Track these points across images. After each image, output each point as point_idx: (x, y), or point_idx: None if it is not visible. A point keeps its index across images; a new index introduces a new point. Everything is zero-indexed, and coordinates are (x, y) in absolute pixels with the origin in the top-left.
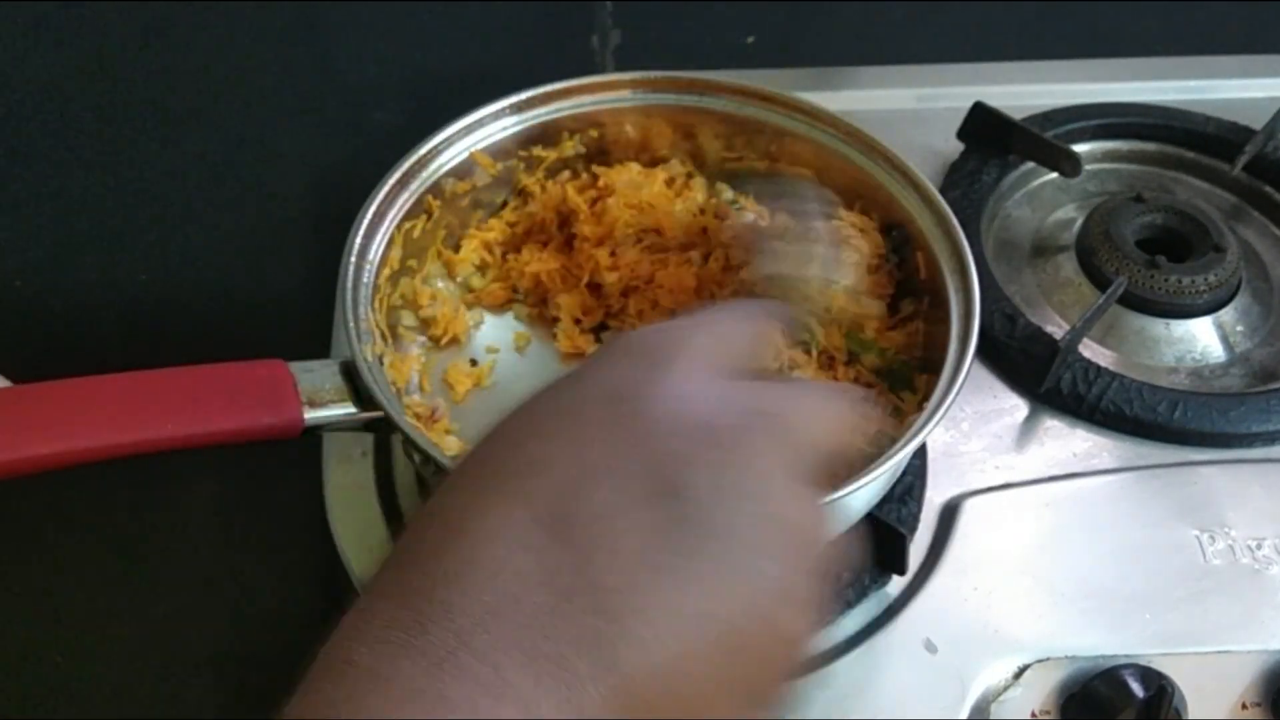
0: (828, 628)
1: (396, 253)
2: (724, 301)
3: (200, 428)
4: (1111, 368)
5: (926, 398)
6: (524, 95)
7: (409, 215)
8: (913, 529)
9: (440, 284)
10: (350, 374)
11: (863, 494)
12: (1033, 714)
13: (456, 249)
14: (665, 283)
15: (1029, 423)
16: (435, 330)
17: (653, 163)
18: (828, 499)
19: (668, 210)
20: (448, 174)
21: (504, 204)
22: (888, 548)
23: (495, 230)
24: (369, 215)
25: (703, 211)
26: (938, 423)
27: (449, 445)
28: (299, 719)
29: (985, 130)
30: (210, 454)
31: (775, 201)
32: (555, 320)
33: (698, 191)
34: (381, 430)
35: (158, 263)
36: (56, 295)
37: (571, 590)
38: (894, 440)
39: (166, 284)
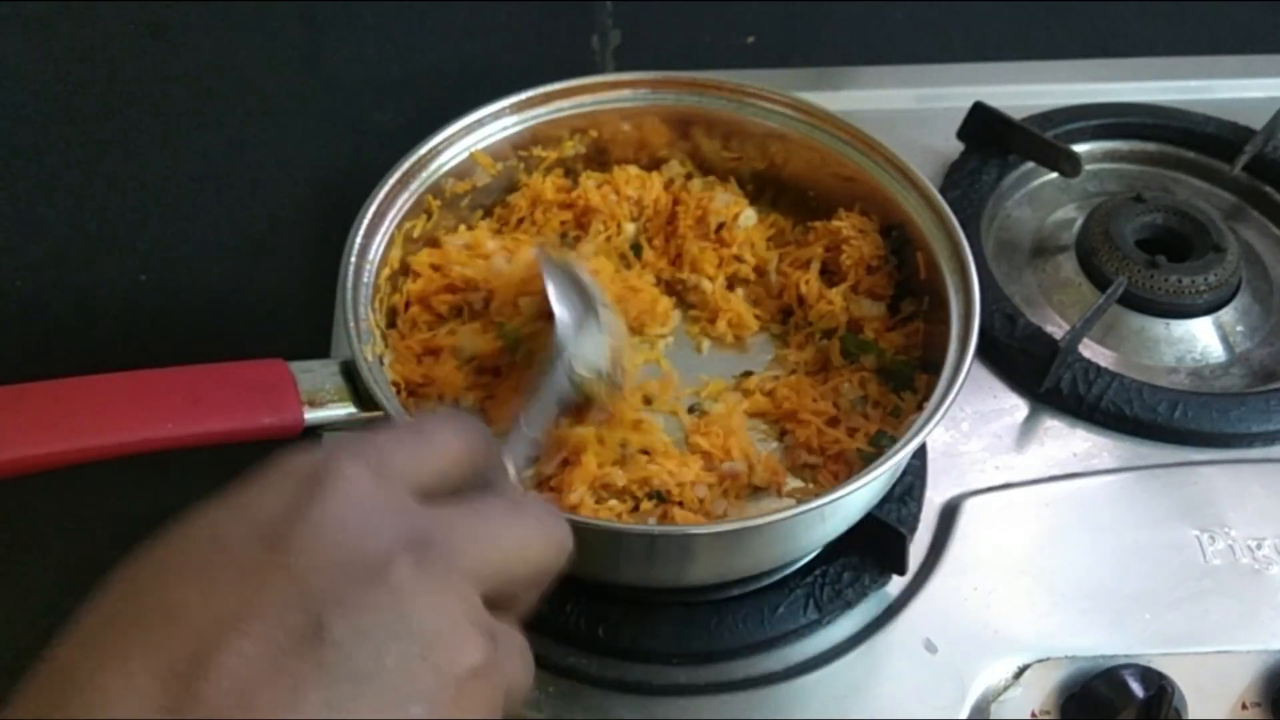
0: (827, 628)
1: (396, 253)
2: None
3: (200, 427)
4: (1111, 368)
5: (926, 398)
6: (524, 95)
7: (409, 215)
8: (913, 529)
9: None
10: (350, 374)
11: (862, 494)
12: (1033, 714)
13: None
14: None
15: (1029, 423)
16: None
17: (653, 163)
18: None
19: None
20: (448, 174)
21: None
22: (888, 548)
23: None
24: (369, 215)
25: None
26: (937, 423)
27: None
28: None
29: (985, 130)
30: (210, 454)
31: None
32: None
33: (697, 192)
34: None
35: (158, 262)
36: (57, 294)
37: None
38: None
39: (166, 283)
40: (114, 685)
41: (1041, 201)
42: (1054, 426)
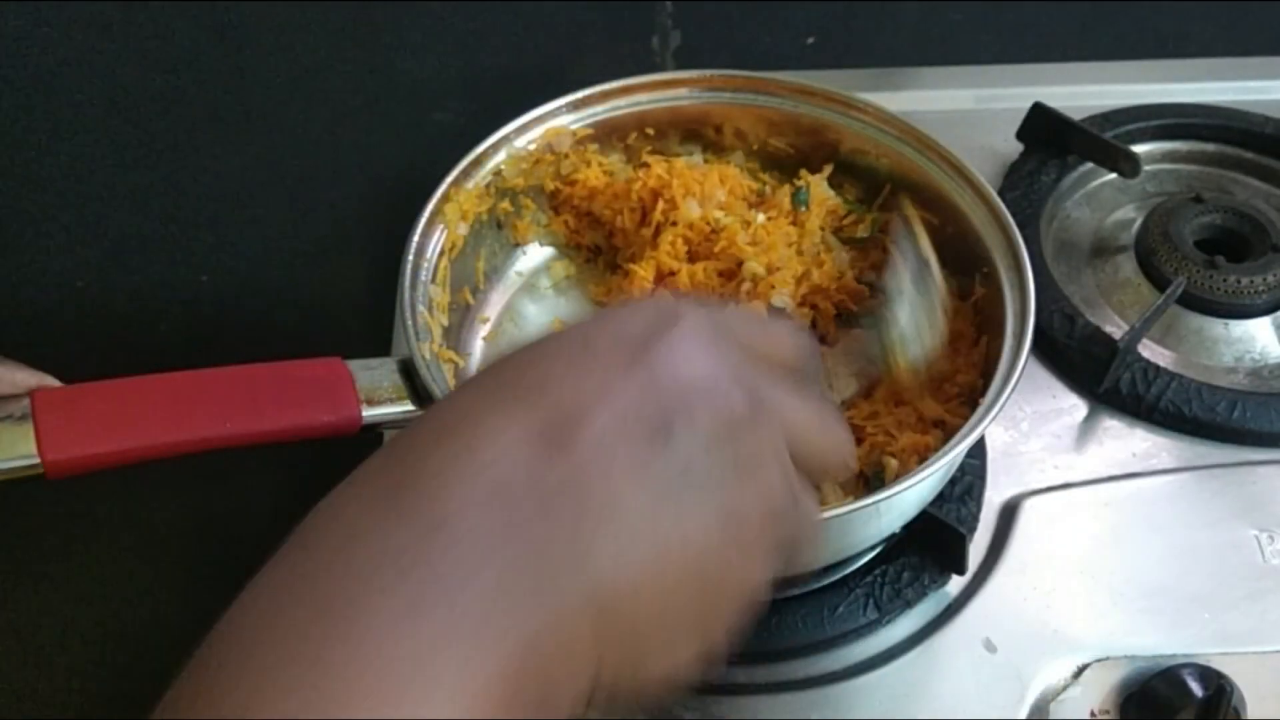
0: (887, 627)
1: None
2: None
3: (259, 425)
4: (1170, 368)
5: (982, 395)
6: (582, 94)
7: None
8: (972, 529)
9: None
10: (409, 372)
11: (918, 490)
12: (1092, 713)
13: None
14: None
15: (1088, 423)
16: None
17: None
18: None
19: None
20: (505, 172)
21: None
22: (947, 547)
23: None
24: (427, 214)
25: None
26: (993, 418)
27: None
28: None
29: (1044, 131)
30: (268, 451)
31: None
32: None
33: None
34: None
35: (218, 263)
36: (117, 295)
37: (558, 492)
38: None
39: (227, 284)
40: (494, 429)
41: (1100, 202)
42: (1113, 426)
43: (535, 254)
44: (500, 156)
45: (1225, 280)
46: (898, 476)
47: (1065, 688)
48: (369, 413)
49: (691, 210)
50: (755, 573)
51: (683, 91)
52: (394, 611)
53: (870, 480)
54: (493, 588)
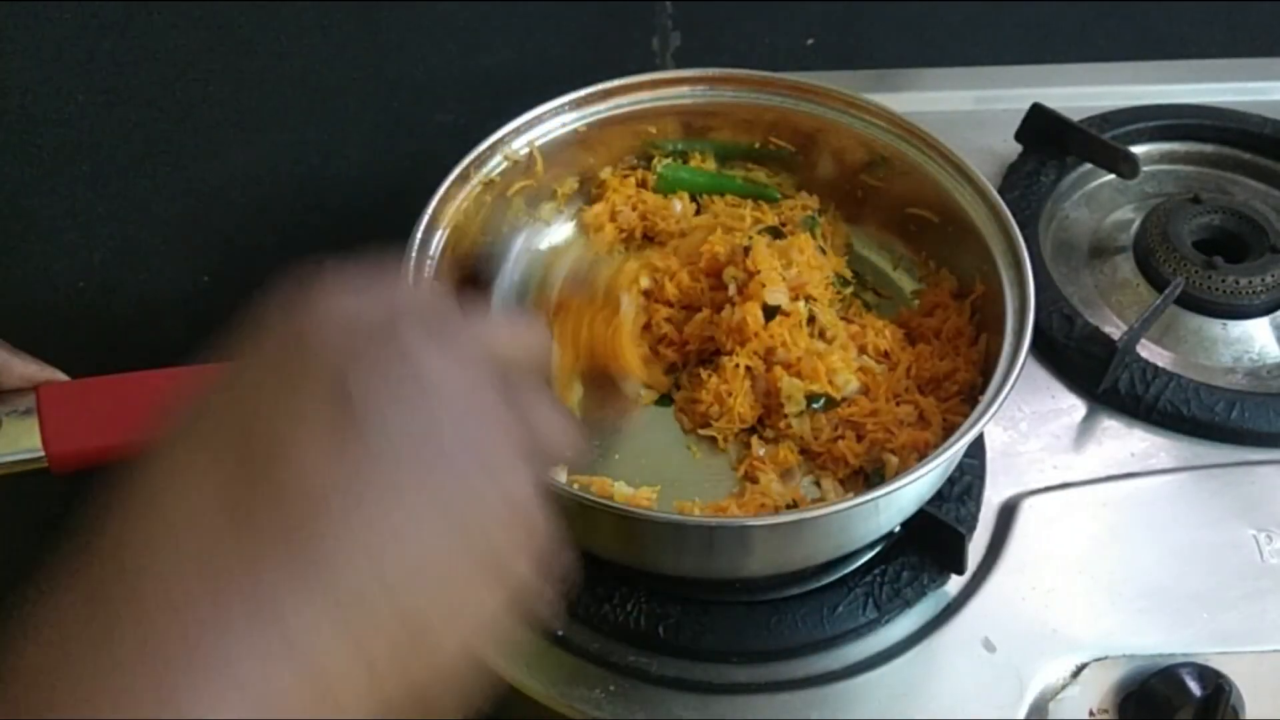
0: (886, 627)
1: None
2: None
3: None
4: (1169, 368)
5: (981, 393)
6: (583, 92)
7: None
8: (971, 528)
9: None
10: None
11: (916, 487)
12: (1090, 712)
13: None
14: None
15: (1087, 423)
16: None
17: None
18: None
19: None
20: (505, 170)
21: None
22: (946, 547)
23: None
24: (429, 213)
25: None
26: (993, 415)
27: None
28: None
29: (1043, 132)
30: None
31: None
32: None
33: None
34: None
35: (220, 263)
36: (120, 296)
37: (261, 556)
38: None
39: (229, 284)
40: (190, 500)
41: (1099, 202)
42: (1112, 426)
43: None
44: (500, 155)
45: (1224, 281)
46: (897, 473)
47: (1064, 687)
48: None
49: (777, 298)
50: (517, 488)
51: (683, 90)
52: None
53: (870, 477)
54: (213, 669)
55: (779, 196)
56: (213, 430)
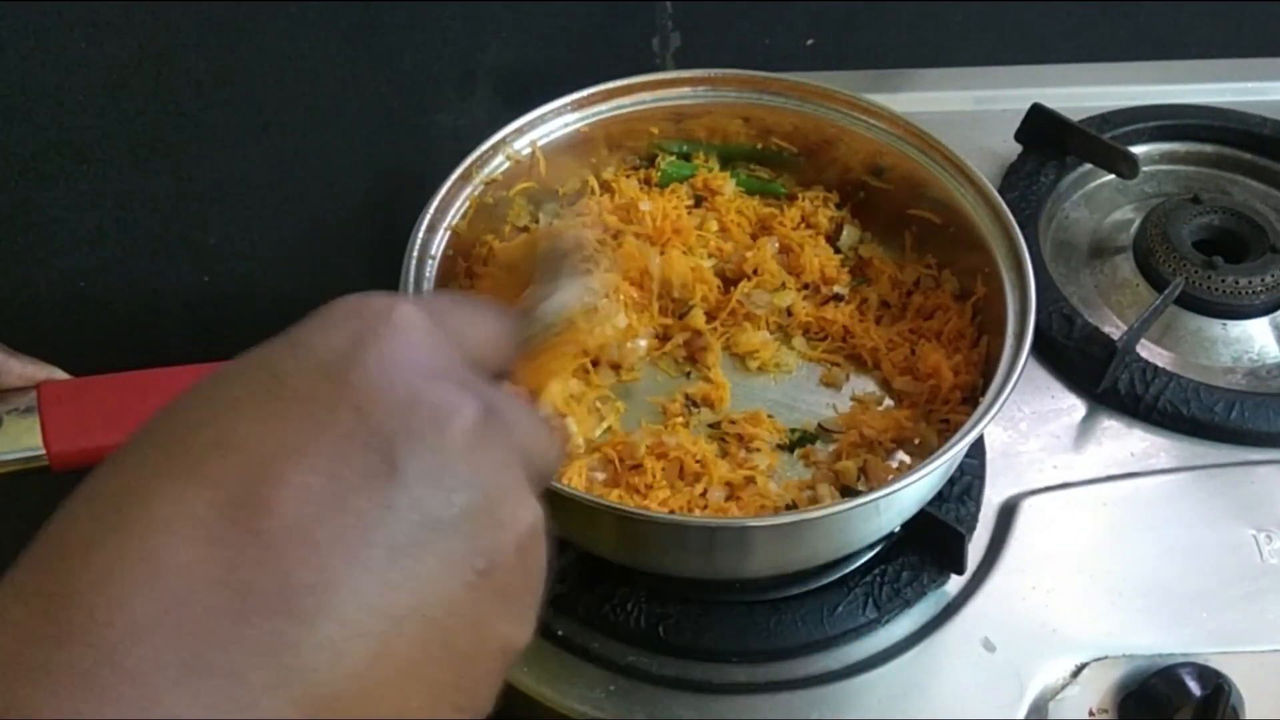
0: (886, 626)
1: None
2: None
3: None
4: (1169, 368)
5: (982, 394)
6: (585, 93)
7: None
8: (971, 528)
9: None
10: None
11: (916, 488)
12: (1090, 712)
13: None
14: None
15: (1086, 423)
16: None
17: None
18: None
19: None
20: (506, 171)
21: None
22: (946, 547)
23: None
24: (430, 214)
25: None
26: (992, 418)
27: None
28: None
29: (1043, 132)
30: None
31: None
32: None
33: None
34: None
35: (221, 263)
36: (120, 295)
37: (252, 588)
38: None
39: (229, 284)
40: (167, 514)
41: (1099, 203)
42: (1111, 426)
43: None
44: (501, 156)
45: (1223, 281)
46: (897, 474)
47: (1064, 687)
48: None
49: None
50: (515, 624)
51: (684, 91)
52: None
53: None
54: None
55: (783, 192)
56: (216, 473)
